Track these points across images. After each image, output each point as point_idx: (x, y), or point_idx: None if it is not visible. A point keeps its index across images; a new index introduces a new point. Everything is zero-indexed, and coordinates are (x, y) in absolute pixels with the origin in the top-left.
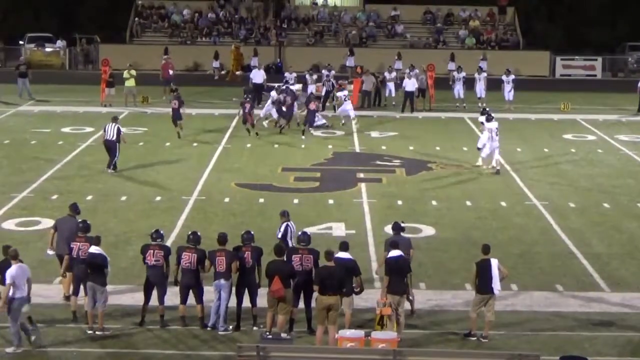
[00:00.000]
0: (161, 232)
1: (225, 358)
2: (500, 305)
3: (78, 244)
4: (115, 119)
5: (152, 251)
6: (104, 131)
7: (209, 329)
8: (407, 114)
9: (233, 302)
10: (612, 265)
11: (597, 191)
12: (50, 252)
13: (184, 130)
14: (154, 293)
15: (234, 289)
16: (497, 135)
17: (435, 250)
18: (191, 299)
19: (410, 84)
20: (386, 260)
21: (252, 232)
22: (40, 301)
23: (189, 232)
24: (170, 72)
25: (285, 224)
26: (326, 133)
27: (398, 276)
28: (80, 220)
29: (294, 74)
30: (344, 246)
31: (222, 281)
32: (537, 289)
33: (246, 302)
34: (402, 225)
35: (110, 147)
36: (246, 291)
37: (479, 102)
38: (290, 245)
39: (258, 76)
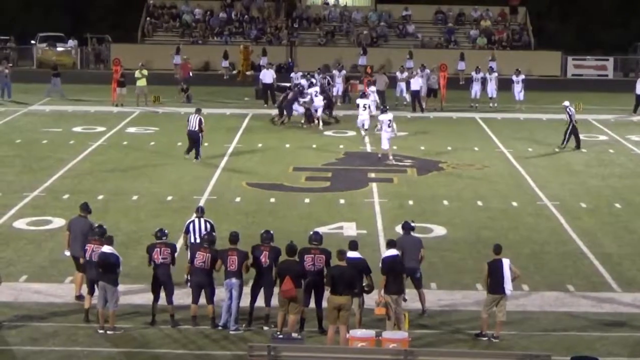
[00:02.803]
0: (165, 230)
1: (236, 358)
2: (511, 305)
3: (92, 246)
4: (198, 111)
5: (159, 249)
6: (188, 122)
7: (219, 328)
8: (417, 113)
9: (244, 301)
10: (624, 265)
11: (608, 191)
12: (67, 253)
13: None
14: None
15: (245, 288)
16: (389, 127)
17: (446, 250)
18: (201, 299)
19: (416, 83)
20: (383, 259)
21: (272, 232)
22: (52, 300)
23: (204, 232)
24: (190, 73)
25: (189, 220)
26: (338, 132)
27: (394, 275)
28: (97, 224)
29: (300, 74)
30: (353, 245)
31: (234, 280)
32: (548, 289)
33: (259, 301)
34: (413, 224)
35: (193, 137)
36: (261, 290)
37: (490, 102)
38: (193, 240)
39: (267, 76)
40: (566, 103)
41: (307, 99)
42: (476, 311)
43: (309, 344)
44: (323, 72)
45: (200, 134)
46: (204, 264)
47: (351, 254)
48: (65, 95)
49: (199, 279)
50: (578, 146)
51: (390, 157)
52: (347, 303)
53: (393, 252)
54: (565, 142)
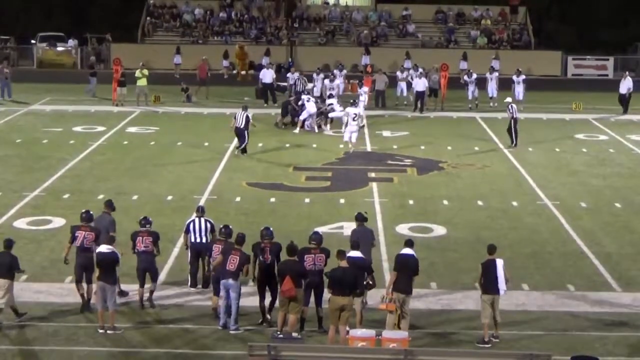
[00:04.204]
0: (149, 219)
1: (236, 357)
2: (511, 305)
3: (83, 232)
4: (245, 108)
5: (141, 237)
6: (234, 119)
7: (220, 328)
8: (416, 113)
9: (248, 301)
10: (624, 265)
11: (608, 191)
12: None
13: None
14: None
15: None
16: (354, 120)
17: (447, 249)
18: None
19: (421, 84)
20: (397, 256)
21: (271, 229)
22: (52, 300)
23: (221, 226)
24: (208, 73)
25: (189, 220)
26: (338, 132)
27: (405, 274)
28: (83, 210)
29: (297, 74)
30: (356, 245)
31: (230, 281)
32: (548, 288)
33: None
34: (365, 215)
35: (240, 133)
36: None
37: (490, 101)
38: (193, 240)
39: (267, 76)
40: (508, 100)
41: (327, 105)
42: (476, 311)
43: (308, 344)
44: (321, 72)
45: (246, 131)
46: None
47: (353, 253)
48: (95, 95)
49: (217, 272)
50: (515, 143)
51: (351, 149)
52: (349, 304)
53: (409, 251)
54: (514, 140)
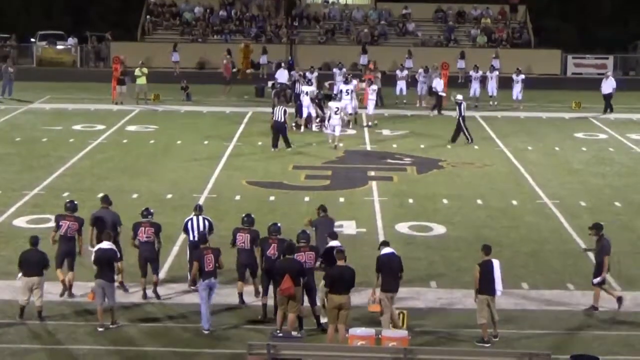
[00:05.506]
0: (151, 210)
1: (235, 356)
2: (510, 303)
3: (67, 222)
4: (283, 103)
5: (143, 228)
6: (272, 114)
7: (206, 332)
8: (416, 112)
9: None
10: (623, 264)
11: (608, 190)
12: (93, 249)
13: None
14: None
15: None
16: (336, 114)
17: (446, 249)
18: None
19: (439, 84)
20: (378, 257)
21: (279, 225)
22: (51, 298)
23: (244, 215)
24: (234, 70)
25: (187, 218)
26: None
27: (389, 274)
28: (67, 200)
29: (300, 73)
30: (334, 235)
31: (213, 279)
32: (548, 287)
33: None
34: (325, 207)
35: (278, 127)
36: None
37: (490, 100)
38: (192, 238)
39: (283, 76)
40: (459, 97)
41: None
42: (476, 310)
43: (308, 342)
44: (315, 70)
45: (285, 125)
46: (244, 244)
47: (333, 242)
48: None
49: (243, 258)
50: (454, 140)
51: (336, 144)
52: (347, 302)
53: (389, 250)
54: (454, 139)
